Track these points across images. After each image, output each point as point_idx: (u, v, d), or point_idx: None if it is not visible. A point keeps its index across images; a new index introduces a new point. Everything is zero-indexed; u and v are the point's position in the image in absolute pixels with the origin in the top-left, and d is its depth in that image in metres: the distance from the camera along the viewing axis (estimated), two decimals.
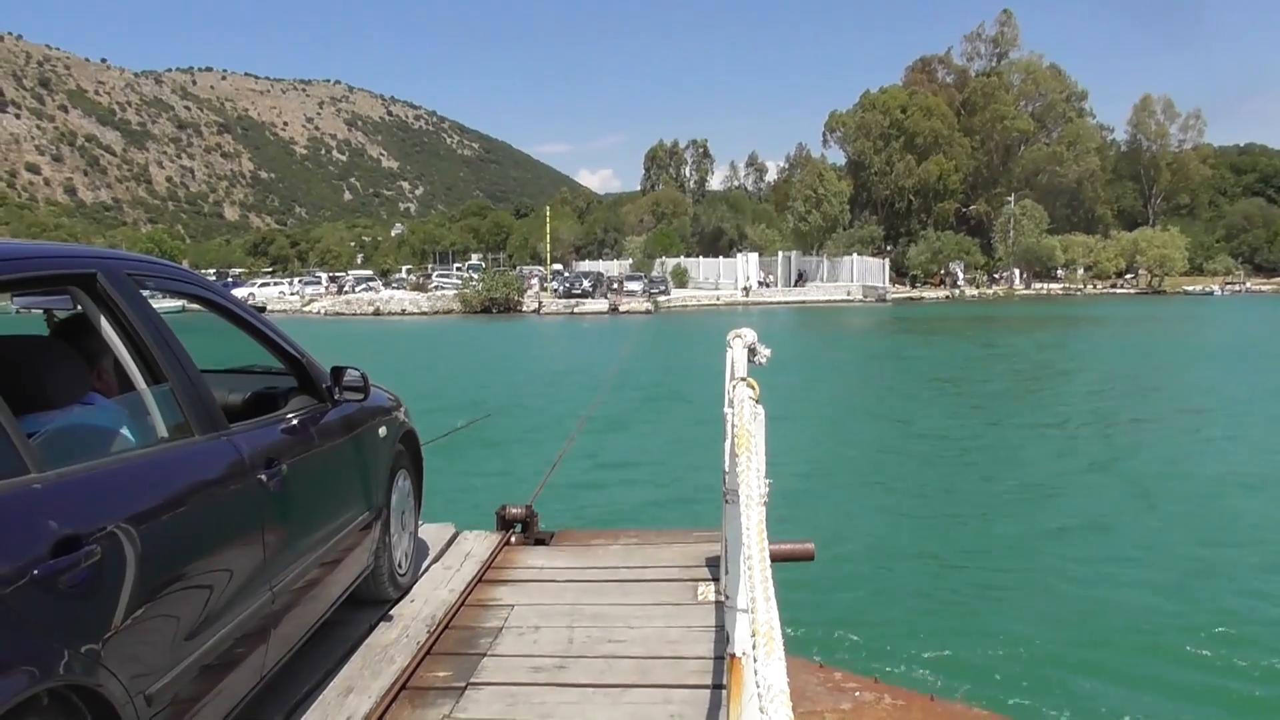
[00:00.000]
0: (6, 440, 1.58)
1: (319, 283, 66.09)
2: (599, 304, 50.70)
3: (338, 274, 73.08)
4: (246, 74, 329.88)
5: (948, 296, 66.12)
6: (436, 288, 58.78)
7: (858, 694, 3.50)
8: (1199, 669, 5.43)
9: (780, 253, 67.37)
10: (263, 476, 2.35)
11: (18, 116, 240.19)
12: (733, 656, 2.65)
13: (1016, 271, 73.49)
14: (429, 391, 15.93)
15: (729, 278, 62.43)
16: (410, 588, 3.74)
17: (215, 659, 2.05)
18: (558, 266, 69.40)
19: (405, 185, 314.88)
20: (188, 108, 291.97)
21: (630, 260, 69.81)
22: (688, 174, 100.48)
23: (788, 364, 19.87)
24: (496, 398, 17.30)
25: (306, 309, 55.19)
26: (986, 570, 7.42)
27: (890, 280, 65.95)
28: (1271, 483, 10.45)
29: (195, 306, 2.58)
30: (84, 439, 1.95)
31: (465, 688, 2.87)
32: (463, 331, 39.22)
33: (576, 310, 49.36)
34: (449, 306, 52.14)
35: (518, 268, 71.26)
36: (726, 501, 3.04)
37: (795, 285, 63.64)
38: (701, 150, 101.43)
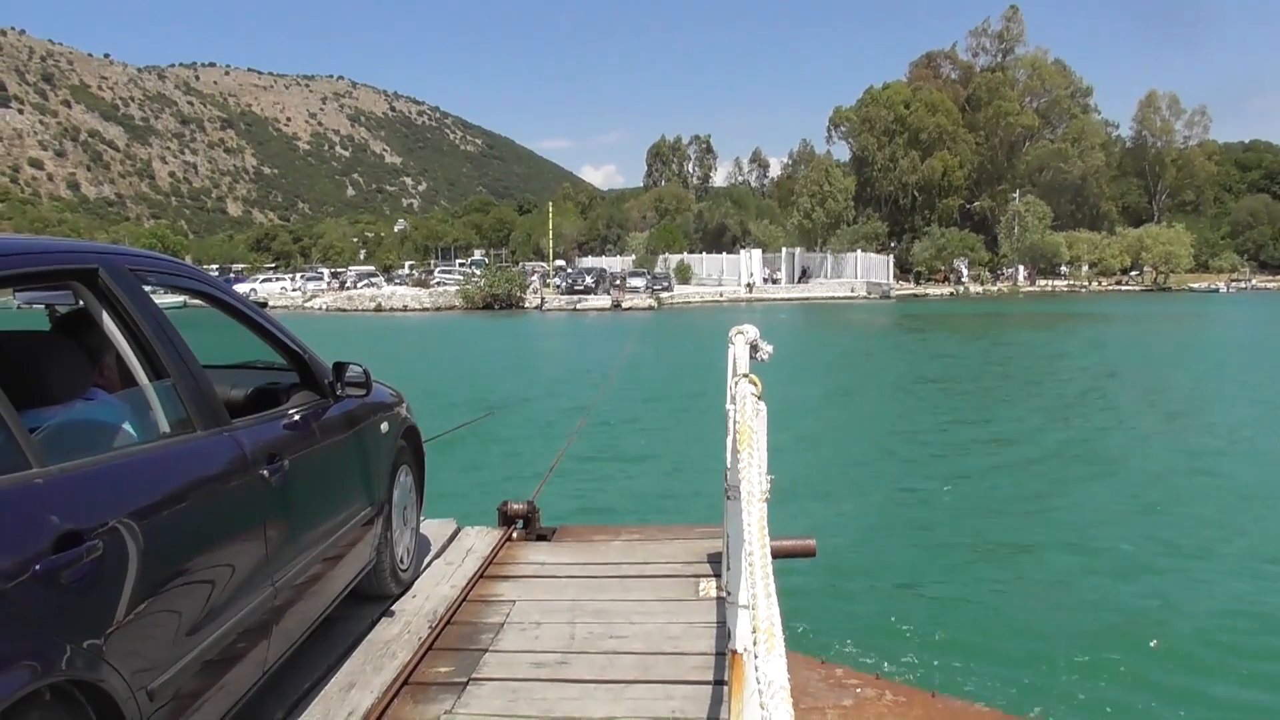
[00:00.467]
0: (9, 435, 1.58)
1: (321, 278, 66.10)
2: (602, 300, 50.64)
3: (339, 270, 73.08)
4: (250, 69, 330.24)
5: (952, 293, 66.00)
6: (438, 284, 58.76)
7: (859, 690, 3.50)
8: (1201, 666, 5.42)
9: (784, 249, 67.27)
10: (265, 472, 2.36)
11: (21, 112, 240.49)
12: (734, 652, 2.65)
13: (1021, 268, 73.31)
14: (430, 387, 15.95)
15: (732, 274, 62.32)
16: (412, 583, 3.75)
17: (217, 654, 2.05)
18: (560, 262, 69.35)
19: (408, 181, 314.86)
20: (191, 103, 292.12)
21: (633, 256, 69.73)
22: (691, 170, 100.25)
23: (790, 361, 19.85)
24: (498, 394, 17.30)
25: (308, 305, 55.14)
26: (988, 567, 7.42)
27: (894, 277, 65.85)
28: None
29: (197, 302, 2.58)
30: (86, 434, 1.95)
31: (467, 683, 2.88)
32: (464, 328, 39.22)
33: (579, 307, 49.30)
34: (451, 303, 52.11)
35: (520, 264, 71.22)
36: (728, 497, 3.04)
37: (799, 282, 63.54)
38: (704, 146, 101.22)
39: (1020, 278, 72.62)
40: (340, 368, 3.02)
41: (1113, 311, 46.00)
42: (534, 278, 56.51)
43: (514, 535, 4.49)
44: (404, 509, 3.66)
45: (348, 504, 3.04)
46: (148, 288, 2.21)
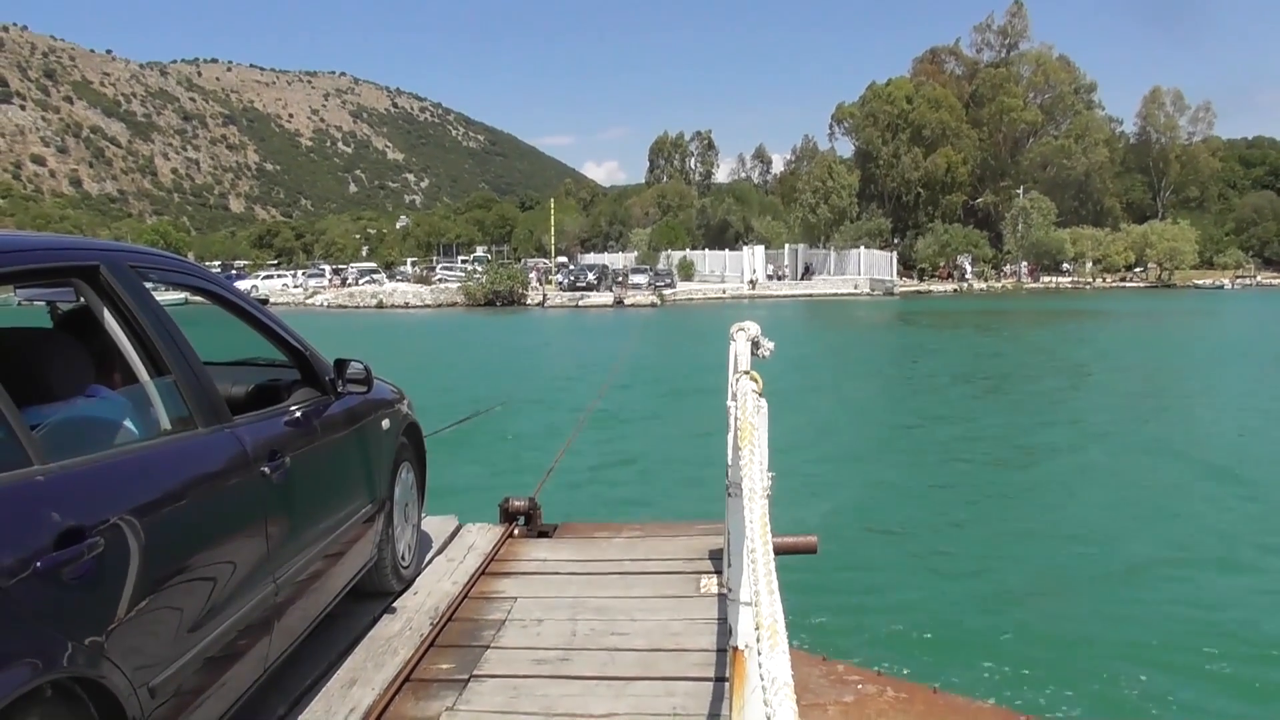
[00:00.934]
0: (9, 432, 1.58)
1: (323, 275, 66.10)
2: (604, 297, 50.60)
3: (341, 266, 73.10)
4: (252, 65, 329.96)
5: (955, 290, 65.87)
6: (440, 280, 58.74)
7: (861, 686, 3.50)
8: (1204, 661, 5.41)
9: (787, 245, 67.14)
10: (266, 469, 2.36)
11: (23, 108, 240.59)
12: (736, 649, 2.65)
13: (1024, 265, 73.16)
14: (432, 384, 15.96)
15: (735, 271, 62.19)
16: (413, 580, 3.75)
17: (219, 651, 2.05)
18: (563, 259, 69.29)
19: (410, 177, 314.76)
20: (193, 99, 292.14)
21: (635, 253, 69.59)
22: (693, 166, 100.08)
23: (792, 357, 19.83)
24: (499, 390, 17.31)
25: (309, 302, 55.14)
26: (991, 563, 7.41)
27: (897, 273, 65.68)
28: None
29: (199, 299, 2.58)
30: (87, 431, 1.95)
31: (468, 680, 2.88)
32: (466, 325, 39.21)
33: (581, 303, 49.27)
34: (452, 299, 52.07)
35: (522, 260, 71.20)
36: (730, 494, 3.04)
37: (802, 278, 63.44)
38: (707, 142, 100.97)
39: (1024, 274, 72.47)
40: (341, 364, 3.03)
41: (1117, 308, 45.88)
42: (532, 275, 56.45)
43: (515, 532, 4.49)
44: (405, 506, 3.66)
45: (349, 501, 3.04)
46: (149, 285, 2.21)
